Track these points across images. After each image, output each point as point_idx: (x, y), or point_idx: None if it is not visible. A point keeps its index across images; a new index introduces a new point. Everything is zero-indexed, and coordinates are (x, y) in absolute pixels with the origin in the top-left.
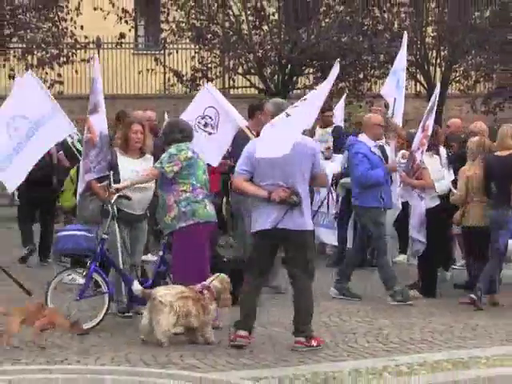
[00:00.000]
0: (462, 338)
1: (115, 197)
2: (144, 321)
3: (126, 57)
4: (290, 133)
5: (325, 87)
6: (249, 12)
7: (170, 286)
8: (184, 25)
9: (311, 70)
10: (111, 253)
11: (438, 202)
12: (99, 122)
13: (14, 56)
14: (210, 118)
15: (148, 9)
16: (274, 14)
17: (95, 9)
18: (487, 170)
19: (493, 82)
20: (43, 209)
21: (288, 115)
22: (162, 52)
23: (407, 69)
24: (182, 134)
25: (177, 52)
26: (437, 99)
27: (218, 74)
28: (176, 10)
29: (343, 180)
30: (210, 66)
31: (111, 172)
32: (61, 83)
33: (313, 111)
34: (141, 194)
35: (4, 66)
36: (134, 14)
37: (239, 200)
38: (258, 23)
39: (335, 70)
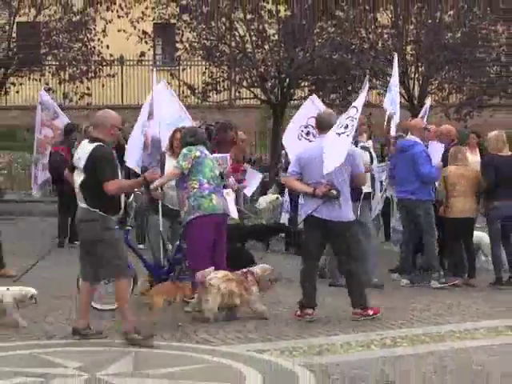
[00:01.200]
0: (439, 315)
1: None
2: (194, 300)
3: (145, 72)
4: (343, 148)
5: (360, 101)
6: (252, 33)
7: (218, 272)
8: (196, 44)
9: (306, 84)
10: (151, 241)
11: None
12: (152, 128)
13: (49, 72)
14: (312, 127)
15: (165, 31)
16: (274, 35)
17: (119, 31)
18: (491, 169)
19: (463, 93)
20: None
21: (339, 134)
22: (177, 68)
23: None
24: (193, 138)
25: (190, 68)
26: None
27: (225, 86)
28: (189, 32)
29: None
30: (218, 80)
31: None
32: (89, 95)
33: (355, 124)
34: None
35: (40, 80)
36: (152, 35)
37: None
38: (260, 43)
39: (366, 86)
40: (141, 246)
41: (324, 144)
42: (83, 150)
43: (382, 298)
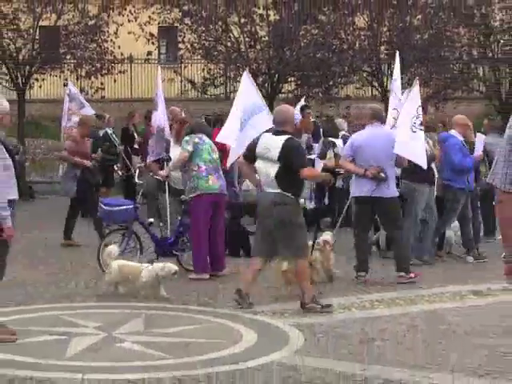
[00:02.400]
0: (411, 282)
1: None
2: (285, 267)
3: (152, 69)
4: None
5: (417, 100)
6: (245, 35)
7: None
8: (196, 45)
9: (293, 79)
10: (162, 216)
11: None
12: (157, 118)
13: (68, 69)
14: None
15: (168, 33)
16: (264, 37)
17: (129, 33)
18: None
19: (430, 87)
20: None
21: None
22: (180, 65)
23: (366, 78)
24: (191, 128)
25: (191, 65)
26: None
27: (222, 82)
28: (190, 34)
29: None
30: (216, 75)
31: (166, 155)
32: (103, 89)
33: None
34: (179, 173)
35: (60, 76)
36: (157, 37)
37: None
38: (252, 43)
39: (415, 85)
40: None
41: (397, 138)
42: (271, 142)
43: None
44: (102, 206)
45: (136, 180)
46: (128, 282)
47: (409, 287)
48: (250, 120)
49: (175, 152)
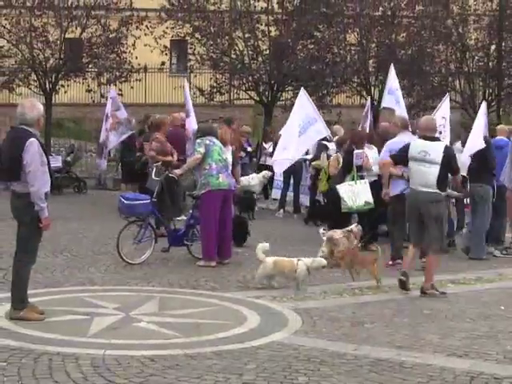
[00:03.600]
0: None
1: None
2: (321, 253)
3: (164, 78)
4: None
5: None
6: (249, 48)
7: (337, 231)
8: (205, 56)
9: (291, 88)
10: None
11: (375, 178)
12: (191, 123)
13: (90, 77)
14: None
15: (179, 46)
16: (266, 50)
17: (145, 45)
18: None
19: (413, 97)
20: None
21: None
22: (189, 75)
23: (356, 88)
24: (202, 132)
25: (200, 75)
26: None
27: (227, 90)
28: (200, 47)
29: (314, 162)
30: (222, 84)
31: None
32: (121, 95)
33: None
34: None
35: (83, 83)
36: (170, 49)
37: None
38: (255, 56)
39: (446, 100)
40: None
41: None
42: (429, 147)
43: None
44: (122, 199)
45: (153, 177)
46: (282, 275)
47: (394, 276)
48: (306, 130)
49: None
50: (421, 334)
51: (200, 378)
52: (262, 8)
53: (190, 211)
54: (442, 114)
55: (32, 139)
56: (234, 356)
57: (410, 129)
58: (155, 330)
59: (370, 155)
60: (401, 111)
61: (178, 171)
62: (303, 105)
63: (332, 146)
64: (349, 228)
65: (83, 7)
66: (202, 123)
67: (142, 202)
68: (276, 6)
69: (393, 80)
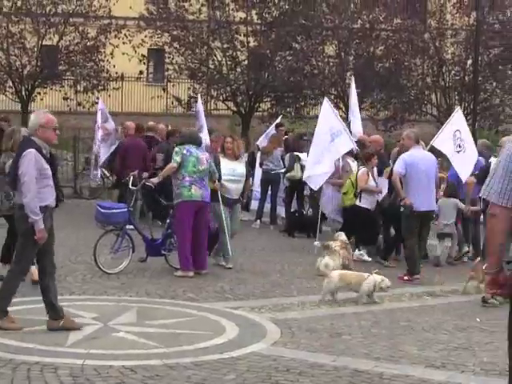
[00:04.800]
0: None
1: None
2: (319, 263)
3: (141, 87)
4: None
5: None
6: (227, 59)
7: (337, 242)
8: (183, 66)
9: (269, 99)
10: (217, 222)
11: None
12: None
13: (68, 85)
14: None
15: (157, 54)
16: (244, 61)
17: (123, 54)
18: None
19: (390, 110)
20: None
21: (458, 152)
22: (166, 84)
23: (333, 100)
24: (182, 139)
25: (178, 84)
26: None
27: (205, 100)
28: (178, 56)
29: (288, 174)
30: (200, 94)
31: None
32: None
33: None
34: (234, 184)
35: (60, 91)
36: (147, 58)
37: None
38: (233, 66)
39: (457, 111)
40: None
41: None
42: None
43: None
44: (99, 208)
45: (130, 186)
46: (348, 288)
47: None
48: (331, 143)
49: (225, 166)
50: (399, 345)
51: None
52: (240, 18)
53: (168, 221)
54: (456, 128)
55: (30, 150)
56: (214, 367)
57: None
58: (134, 340)
59: (354, 168)
60: (356, 124)
61: (154, 180)
62: (327, 116)
63: (304, 156)
64: (345, 239)
65: (61, 14)
66: (186, 129)
67: (118, 210)
68: (255, 17)
69: (354, 93)
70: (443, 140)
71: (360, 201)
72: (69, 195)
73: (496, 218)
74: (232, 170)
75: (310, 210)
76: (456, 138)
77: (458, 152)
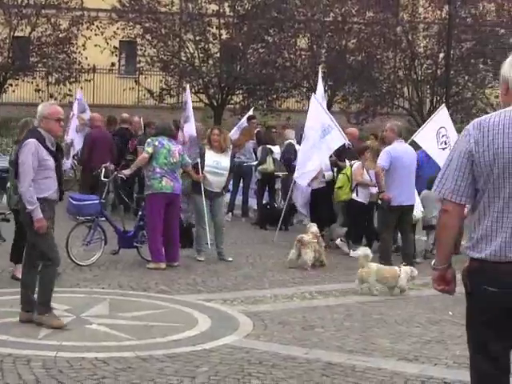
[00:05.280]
0: (346, 275)
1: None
2: (292, 255)
3: (113, 79)
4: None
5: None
6: (199, 51)
7: (308, 234)
8: (155, 58)
9: (241, 92)
10: (197, 215)
11: (323, 185)
12: (189, 129)
13: (39, 76)
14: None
15: (129, 46)
16: (216, 53)
17: (95, 45)
18: None
19: (362, 103)
20: None
21: (443, 149)
22: (138, 76)
23: (306, 93)
24: (156, 131)
25: (150, 76)
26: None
27: (177, 92)
28: (150, 49)
29: (260, 167)
30: (172, 86)
31: (199, 160)
32: (70, 95)
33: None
34: (216, 177)
35: (32, 83)
36: (119, 50)
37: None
38: (205, 59)
39: (442, 109)
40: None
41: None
42: None
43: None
44: (71, 200)
45: (102, 178)
46: (383, 282)
47: (343, 280)
48: (323, 139)
49: (210, 157)
50: (371, 338)
51: (153, 381)
52: (213, 11)
53: (140, 213)
54: (440, 125)
55: (30, 140)
56: (186, 359)
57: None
58: (106, 331)
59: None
60: None
61: (126, 171)
62: (316, 113)
63: (277, 149)
64: (316, 231)
65: (33, 5)
66: (161, 121)
67: (90, 202)
68: (227, 10)
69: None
70: (425, 136)
71: (357, 195)
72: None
73: (448, 214)
74: (216, 162)
75: (282, 202)
76: (441, 136)
77: (444, 149)
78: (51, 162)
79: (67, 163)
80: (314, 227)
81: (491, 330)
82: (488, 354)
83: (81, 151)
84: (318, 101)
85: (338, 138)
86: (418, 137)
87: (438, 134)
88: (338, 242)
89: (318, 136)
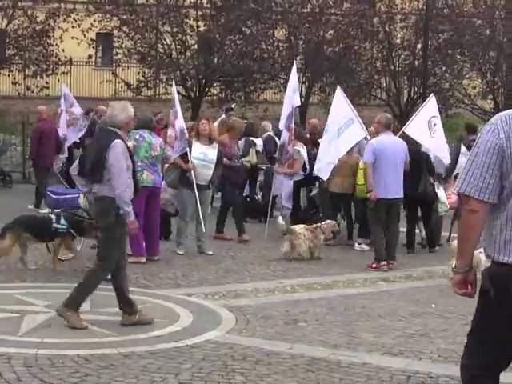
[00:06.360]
0: (327, 268)
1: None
2: (286, 248)
3: (90, 71)
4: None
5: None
6: (177, 43)
7: (301, 225)
8: (133, 50)
9: (218, 84)
10: (181, 207)
11: (301, 177)
12: (178, 123)
13: (16, 69)
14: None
15: (105, 39)
16: (194, 45)
17: (72, 38)
18: None
19: None
20: None
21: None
22: (115, 68)
23: (283, 85)
24: (138, 124)
25: (128, 68)
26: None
27: (154, 84)
28: (127, 41)
29: (243, 159)
30: (149, 78)
31: (188, 150)
32: (47, 88)
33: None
34: (203, 170)
35: (9, 75)
36: (96, 42)
37: None
38: (183, 50)
39: (431, 99)
40: None
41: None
42: None
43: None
44: (50, 194)
45: None
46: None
47: (325, 273)
48: (343, 132)
49: (197, 149)
50: (355, 332)
51: (136, 378)
52: (190, 2)
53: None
54: (432, 114)
55: (118, 140)
56: (169, 355)
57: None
58: (88, 328)
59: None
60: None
61: None
62: (340, 105)
63: (259, 142)
64: (318, 224)
65: None
66: (142, 114)
67: (69, 196)
68: (205, 1)
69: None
70: (415, 127)
71: None
72: (18, 180)
73: (476, 215)
74: (203, 154)
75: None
76: (433, 125)
77: (433, 138)
78: (129, 162)
79: (62, 158)
80: (328, 221)
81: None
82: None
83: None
84: (341, 93)
85: (357, 132)
86: (408, 128)
87: (429, 123)
88: (357, 247)
89: (337, 129)
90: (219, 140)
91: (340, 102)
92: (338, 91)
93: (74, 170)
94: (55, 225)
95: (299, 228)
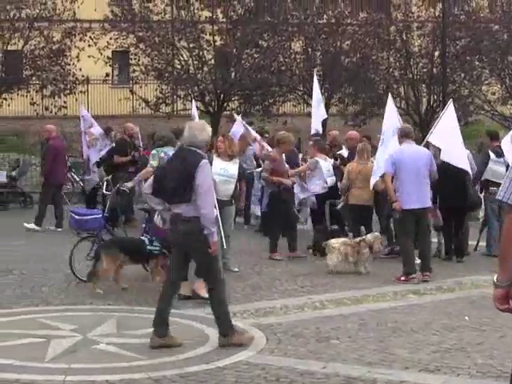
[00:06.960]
0: (355, 282)
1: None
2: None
3: (107, 89)
4: None
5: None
6: (194, 58)
7: (339, 239)
8: (150, 67)
9: (237, 98)
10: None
11: (325, 190)
12: None
13: (34, 89)
14: None
15: (122, 56)
16: (211, 60)
17: (89, 56)
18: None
19: (359, 105)
20: None
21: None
22: (132, 86)
23: (302, 97)
24: (162, 141)
25: (145, 85)
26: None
27: (173, 100)
28: (144, 57)
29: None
30: (167, 95)
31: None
32: (65, 108)
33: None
34: (224, 185)
35: (27, 96)
36: (112, 60)
37: None
38: (200, 66)
39: (449, 106)
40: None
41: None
42: None
43: (310, 267)
44: (73, 214)
45: (104, 191)
46: None
47: (353, 288)
48: (388, 141)
49: (217, 165)
50: (389, 348)
51: None
52: (206, 17)
53: (143, 225)
54: (451, 124)
55: (205, 161)
56: (200, 378)
57: (413, 136)
58: (116, 352)
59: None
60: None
61: (129, 184)
62: (392, 113)
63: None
64: (361, 237)
65: (25, 19)
66: (165, 132)
67: (93, 217)
68: (220, 16)
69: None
70: (440, 135)
71: None
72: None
73: None
74: (224, 170)
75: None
76: (455, 132)
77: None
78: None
79: (93, 178)
80: (372, 233)
81: None
82: None
83: (43, 163)
84: (392, 103)
85: (393, 144)
86: (431, 137)
87: (453, 130)
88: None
89: (387, 139)
90: (272, 157)
91: (390, 112)
92: (390, 99)
93: (147, 188)
94: (149, 247)
95: (335, 242)
